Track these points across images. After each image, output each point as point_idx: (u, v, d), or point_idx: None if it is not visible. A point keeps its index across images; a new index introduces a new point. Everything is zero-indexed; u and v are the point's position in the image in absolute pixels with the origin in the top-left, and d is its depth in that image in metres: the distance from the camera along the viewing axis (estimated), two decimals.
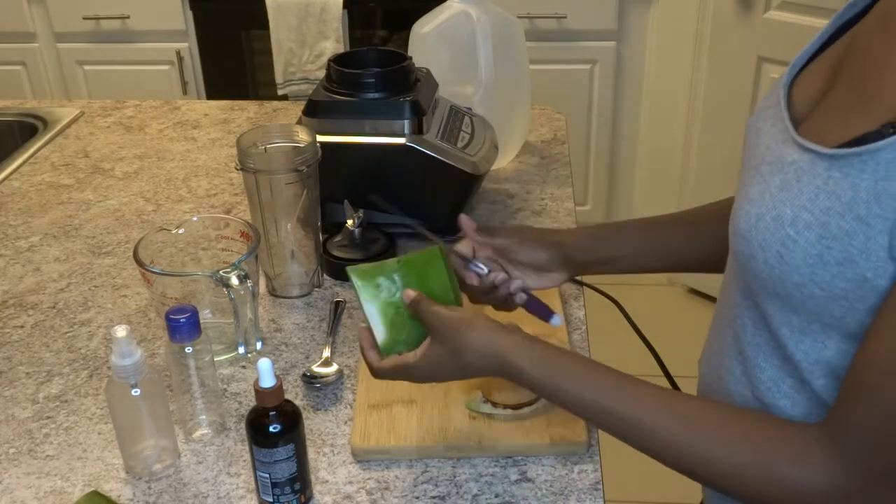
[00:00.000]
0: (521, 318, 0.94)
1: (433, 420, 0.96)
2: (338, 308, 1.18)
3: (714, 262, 1.00)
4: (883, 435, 0.67)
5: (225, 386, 1.06)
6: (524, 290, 0.97)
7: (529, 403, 0.96)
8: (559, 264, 0.99)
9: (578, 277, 1.23)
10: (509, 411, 0.95)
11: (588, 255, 1.00)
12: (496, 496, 0.89)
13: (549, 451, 0.93)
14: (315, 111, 1.27)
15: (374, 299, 0.88)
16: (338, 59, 1.32)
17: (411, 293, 0.87)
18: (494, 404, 0.96)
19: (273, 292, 1.22)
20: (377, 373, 0.89)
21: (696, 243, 1.03)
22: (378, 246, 1.27)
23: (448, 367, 0.85)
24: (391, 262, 0.89)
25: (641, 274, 1.06)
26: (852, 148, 0.67)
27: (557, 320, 0.96)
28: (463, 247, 0.97)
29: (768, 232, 0.73)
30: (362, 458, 0.94)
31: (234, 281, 1.00)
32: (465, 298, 0.95)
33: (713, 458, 0.74)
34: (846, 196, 0.67)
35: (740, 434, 0.74)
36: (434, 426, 0.95)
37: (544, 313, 0.97)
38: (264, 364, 0.80)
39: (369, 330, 0.89)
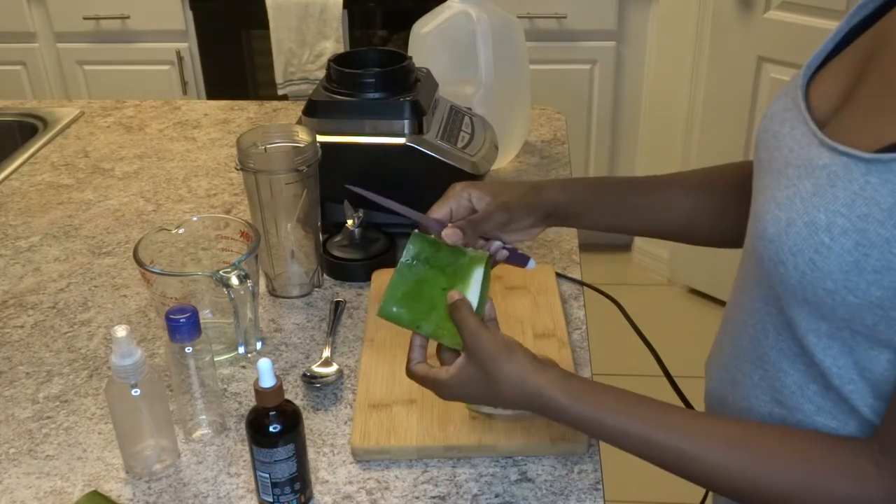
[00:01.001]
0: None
1: (433, 420, 0.96)
2: (338, 308, 1.18)
3: (691, 230, 1.00)
4: None
5: (225, 386, 1.06)
6: (502, 246, 0.96)
7: None
8: (538, 222, 0.97)
9: (578, 278, 1.23)
10: (509, 412, 0.95)
11: (560, 210, 0.98)
12: (496, 496, 0.89)
13: (549, 450, 0.93)
14: (315, 111, 1.27)
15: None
16: (338, 59, 1.32)
17: (455, 294, 0.86)
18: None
19: (273, 292, 1.22)
20: (408, 372, 0.88)
21: (676, 211, 0.99)
22: (378, 246, 1.27)
23: (479, 393, 0.84)
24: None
25: (615, 233, 1.03)
26: (894, 153, 0.65)
27: (532, 264, 0.96)
28: (437, 212, 0.95)
29: (800, 238, 0.70)
30: (362, 457, 0.94)
31: (234, 281, 1.00)
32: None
33: (766, 484, 0.73)
34: (886, 203, 0.65)
35: (791, 456, 0.73)
36: (434, 426, 0.95)
37: (521, 261, 0.96)
38: (264, 364, 0.80)
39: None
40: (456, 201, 0.95)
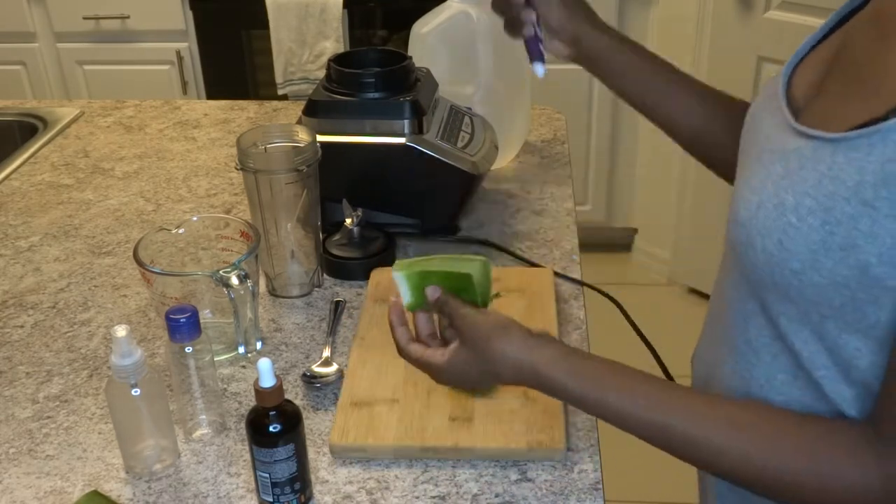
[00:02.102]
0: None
1: (413, 420, 0.96)
2: (338, 308, 1.18)
3: (686, 126, 1.04)
4: None
5: (225, 386, 1.06)
6: (534, 24, 0.99)
7: None
8: (574, 28, 1.04)
9: (578, 278, 1.23)
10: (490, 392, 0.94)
11: (593, 39, 1.05)
12: (496, 496, 0.89)
13: (525, 456, 0.92)
14: (315, 111, 1.27)
15: (403, 269, 0.88)
16: (338, 59, 1.32)
17: (435, 292, 0.86)
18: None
19: (273, 292, 1.22)
20: (402, 352, 0.88)
21: (689, 117, 1.04)
22: (377, 245, 1.27)
23: (476, 375, 0.84)
24: (436, 257, 0.90)
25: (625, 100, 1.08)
26: (859, 131, 0.67)
27: (540, 69, 0.99)
28: None
29: (769, 219, 0.72)
30: (340, 455, 0.94)
31: (234, 281, 1.00)
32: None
33: (766, 468, 0.73)
34: (851, 180, 0.67)
35: (793, 441, 0.73)
36: (413, 427, 0.95)
37: (536, 53, 1.00)
38: (264, 364, 0.80)
39: (400, 305, 0.89)
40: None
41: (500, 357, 0.81)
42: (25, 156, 1.67)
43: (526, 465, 0.92)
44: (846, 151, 0.68)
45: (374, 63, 1.34)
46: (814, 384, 0.74)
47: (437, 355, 0.85)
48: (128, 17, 2.81)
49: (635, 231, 3.11)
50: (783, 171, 0.73)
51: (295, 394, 1.04)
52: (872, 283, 0.67)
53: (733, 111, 0.97)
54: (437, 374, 0.86)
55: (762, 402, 0.78)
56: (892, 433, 0.68)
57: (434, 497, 0.89)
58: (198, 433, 0.98)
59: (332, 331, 1.14)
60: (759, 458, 0.73)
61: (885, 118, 0.65)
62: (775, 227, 0.72)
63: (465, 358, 0.83)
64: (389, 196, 1.30)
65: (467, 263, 0.87)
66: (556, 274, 1.23)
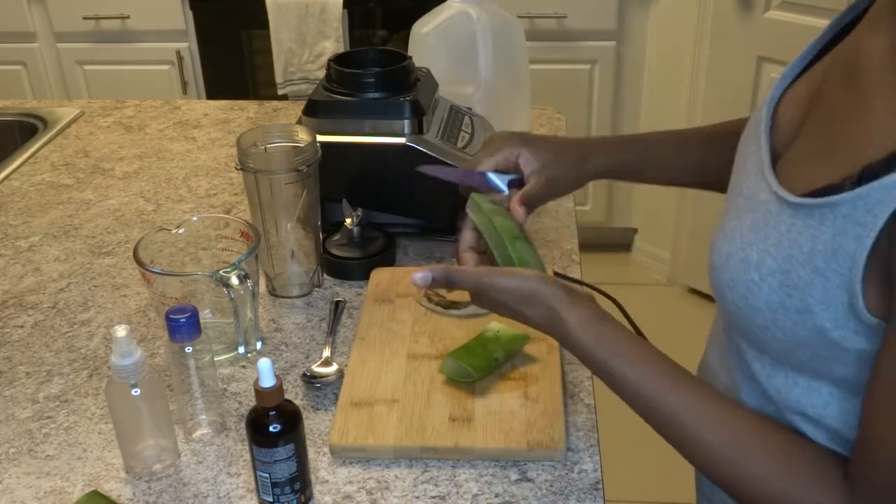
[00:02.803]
0: None
1: (412, 420, 0.96)
2: (338, 308, 1.18)
3: (707, 182, 1.03)
4: (893, 483, 0.66)
5: (225, 386, 1.06)
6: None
7: (457, 307, 1.01)
8: (583, 177, 1.02)
9: (578, 277, 1.23)
10: (440, 309, 0.98)
11: (604, 174, 1.02)
12: (496, 496, 0.89)
13: (525, 456, 0.92)
14: (315, 111, 1.27)
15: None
16: (338, 59, 1.32)
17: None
18: (429, 299, 1.01)
19: (273, 292, 1.22)
20: (460, 259, 0.90)
21: (715, 156, 1.01)
22: (377, 245, 1.27)
23: (511, 304, 0.83)
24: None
25: (659, 185, 1.08)
26: (815, 199, 0.66)
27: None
28: (485, 165, 1.00)
29: (736, 273, 0.73)
30: (340, 455, 0.94)
31: (234, 281, 1.00)
32: None
33: (747, 483, 0.73)
34: (806, 247, 0.66)
35: (780, 458, 0.72)
36: (413, 427, 0.95)
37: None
38: (264, 364, 0.80)
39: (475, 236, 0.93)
40: (504, 158, 0.99)
41: (541, 300, 0.81)
42: (25, 156, 1.67)
43: (526, 465, 0.92)
44: (803, 217, 0.67)
45: (374, 63, 1.34)
46: (791, 426, 0.75)
47: (486, 273, 0.85)
48: (128, 17, 2.81)
49: (635, 231, 3.11)
50: (751, 223, 0.73)
51: (295, 394, 1.04)
52: (831, 344, 0.67)
53: (721, 142, 0.98)
54: (482, 286, 0.84)
55: (764, 417, 0.78)
56: (860, 477, 0.68)
57: (434, 497, 0.89)
58: (198, 433, 0.98)
59: (332, 331, 1.14)
60: (742, 470, 0.73)
61: (839, 187, 0.64)
62: (741, 281, 0.72)
63: (507, 286, 0.82)
64: (389, 196, 1.30)
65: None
66: (557, 274, 1.23)
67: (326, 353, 1.09)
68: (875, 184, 0.62)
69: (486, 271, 0.85)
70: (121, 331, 0.86)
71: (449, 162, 1.25)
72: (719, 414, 0.75)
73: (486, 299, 0.84)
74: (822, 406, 0.72)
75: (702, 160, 1.03)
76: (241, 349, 1.04)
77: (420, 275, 0.85)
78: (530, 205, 0.96)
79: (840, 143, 0.68)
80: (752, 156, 0.78)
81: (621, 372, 0.78)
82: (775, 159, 0.75)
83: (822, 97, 0.74)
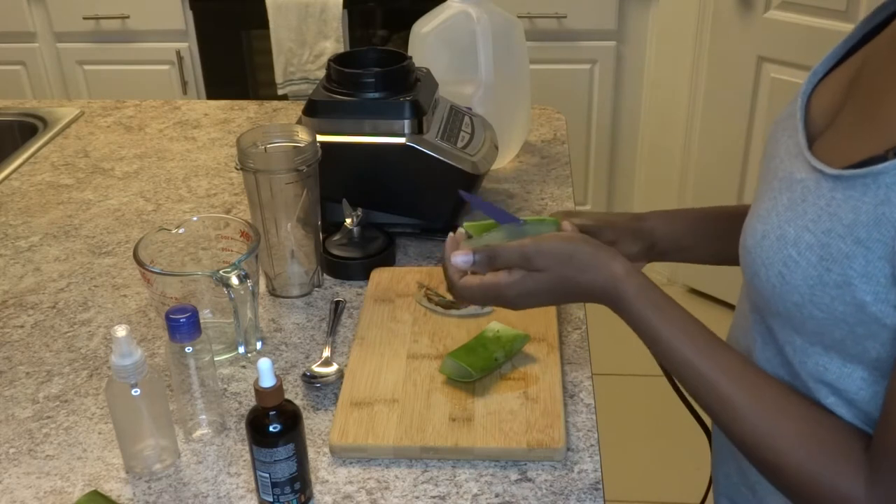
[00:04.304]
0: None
1: (412, 420, 0.96)
2: (338, 308, 1.18)
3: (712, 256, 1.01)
4: None
5: (225, 386, 1.06)
6: None
7: (457, 307, 0.98)
8: (642, 253, 0.98)
9: None
10: (440, 309, 0.96)
11: (661, 242, 0.99)
12: (496, 496, 0.89)
13: (525, 456, 0.92)
14: (315, 111, 1.27)
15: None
16: (338, 59, 1.32)
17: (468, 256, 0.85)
18: (429, 299, 0.98)
19: (273, 292, 1.22)
20: (457, 291, 0.86)
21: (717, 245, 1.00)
22: (377, 245, 1.27)
23: (546, 295, 0.83)
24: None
25: (719, 265, 1.03)
26: (856, 170, 0.66)
27: None
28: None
29: (772, 250, 0.72)
30: (340, 455, 0.94)
31: (234, 281, 1.00)
32: None
33: (771, 448, 0.73)
34: (847, 219, 0.66)
35: (810, 429, 0.72)
36: (413, 427, 0.95)
37: None
38: (264, 364, 0.80)
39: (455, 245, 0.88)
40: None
41: (583, 278, 0.81)
42: (25, 156, 1.67)
43: (526, 465, 0.92)
44: (844, 189, 0.67)
45: (374, 63, 1.34)
46: (826, 408, 0.74)
47: (503, 277, 0.83)
48: (128, 17, 2.81)
49: None
50: (788, 201, 0.73)
51: (295, 394, 1.04)
52: (870, 320, 0.67)
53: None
54: (505, 293, 0.83)
55: (796, 392, 0.77)
56: (881, 457, 0.68)
57: (434, 497, 0.89)
58: (198, 433, 0.98)
59: (332, 331, 1.14)
60: (767, 436, 0.73)
61: (883, 158, 0.65)
62: (777, 259, 0.72)
63: (538, 281, 0.82)
64: (389, 196, 1.30)
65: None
66: None
67: (326, 353, 1.09)
68: None
69: (526, 240, 0.83)
70: (121, 331, 0.86)
71: (449, 162, 1.25)
72: (755, 381, 0.76)
73: (534, 275, 0.83)
74: (854, 391, 0.72)
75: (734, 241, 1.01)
76: (241, 349, 1.04)
77: (462, 257, 0.84)
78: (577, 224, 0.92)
79: (881, 118, 0.69)
80: (785, 143, 0.78)
81: (671, 343, 0.78)
82: (809, 145, 0.75)
83: (861, 83, 0.75)
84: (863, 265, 0.66)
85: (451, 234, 0.90)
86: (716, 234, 0.99)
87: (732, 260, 0.98)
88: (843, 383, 0.72)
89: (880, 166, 0.65)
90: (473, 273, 0.86)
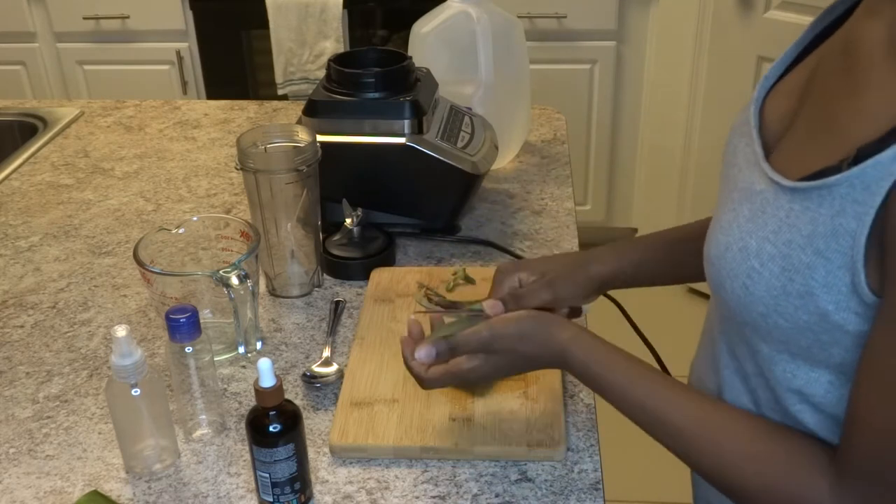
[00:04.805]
0: None
1: (412, 420, 0.96)
2: (338, 308, 1.18)
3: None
4: (878, 464, 0.66)
5: (225, 386, 1.06)
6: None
7: (457, 308, 0.98)
8: (589, 295, 1.00)
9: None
10: (440, 309, 0.97)
11: (611, 281, 1.00)
12: (496, 496, 0.89)
13: (525, 456, 0.92)
14: (315, 111, 1.27)
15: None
16: (338, 59, 1.32)
17: (431, 351, 0.87)
18: (429, 299, 0.99)
19: (273, 292, 1.22)
20: (426, 383, 0.89)
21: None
22: (377, 245, 1.27)
23: (506, 370, 0.88)
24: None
25: (675, 284, 1.06)
26: (811, 181, 0.67)
27: (585, 308, 1.02)
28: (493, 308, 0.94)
29: (735, 262, 0.73)
30: (340, 455, 0.94)
31: (234, 281, 1.00)
32: None
33: (730, 466, 0.74)
34: (806, 230, 0.67)
35: (765, 448, 0.74)
36: (413, 427, 0.95)
37: (576, 314, 1.01)
38: (264, 364, 0.80)
39: (411, 337, 0.91)
40: (509, 291, 0.97)
41: (536, 352, 0.85)
42: (25, 156, 1.67)
43: (526, 465, 0.92)
44: (801, 200, 0.68)
45: (374, 63, 1.34)
46: (792, 417, 0.75)
47: (464, 362, 0.87)
48: (128, 17, 2.81)
49: (635, 231, 3.11)
50: (749, 213, 0.73)
51: (295, 394, 1.04)
52: (833, 328, 0.67)
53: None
54: (468, 376, 0.87)
55: (749, 414, 0.79)
56: (844, 461, 0.68)
57: (434, 497, 0.89)
58: (198, 433, 0.98)
59: (332, 331, 1.14)
60: (726, 465, 0.74)
61: (837, 168, 0.65)
62: (741, 270, 0.72)
63: (497, 362, 0.86)
64: (389, 196, 1.30)
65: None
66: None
67: (326, 353, 1.09)
68: (871, 161, 0.62)
69: (480, 326, 0.87)
70: (121, 331, 0.86)
71: (449, 162, 1.25)
72: (703, 408, 0.78)
73: (491, 359, 0.86)
74: (821, 395, 0.72)
75: (689, 262, 0.99)
76: (241, 349, 1.04)
77: (424, 352, 0.87)
78: (516, 303, 0.92)
79: (835, 126, 0.69)
80: (743, 151, 0.78)
81: (613, 378, 0.82)
82: (767, 154, 0.75)
83: (814, 88, 0.75)
84: (823, 275, 0.66)
85: (410, 321, 0.93)
86: (661, 260, 1.02)
87: (693, 279, 1.01)
88: (810, 388, 0.73)
89: (834, 178, 0.65)
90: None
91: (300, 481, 0.85)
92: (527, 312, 0.87)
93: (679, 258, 1.01)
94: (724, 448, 0.75)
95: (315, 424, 0.99)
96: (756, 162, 0.75)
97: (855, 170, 0.63)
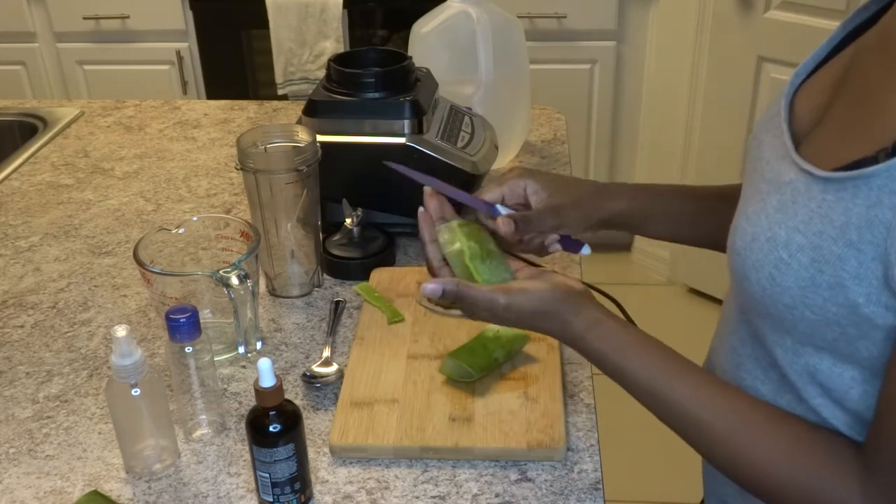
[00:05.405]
0: None
1: (412, 421, 0.96)
2: (338, 308, 1.18)
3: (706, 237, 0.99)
4: None
5: (225, 386, 1.06)
6: (556, 240, 0.95)
7: (457, 307, 0.96)
8: (591, 228, 0.97)
9: (578, 277, 1.23)
10: (440, 309, 0.95)
11: (618, 219, 0.97)
12: (496, 496, 0.89)
13: (525, 456, 0.92)
14: (315, 111, 1.27)
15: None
16: (338, 59, 1.32)
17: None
18: (429, 299, 0.97)
19: (273, 292, 1.22)
20: (470, 290, 0.84)
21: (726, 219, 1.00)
22: (377, 245, 1.27)
23: (518, 325, 0.84)
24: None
25: (672, 242, 1.03)
26: (847, 171, 0.66)
27: (587, 249, 0.96)
28: (489, 194, 0.93)
29: (762, 253, 0.72)
30: (340, 455, 0.94)
31: (234, 281, 1.00)
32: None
33: (759, 469, 0.73)
34: (839, 220, 0.66)
35: (789, 450, 0.73)
36: (413, 427, 0.95)
37: (575, 247, 0.96)
38: (264, 364, 0.80)
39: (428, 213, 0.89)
40: (510, 188, 0.94)
41: (549, 329, 0.83)
42: (25, 156, 1.67)
43: (526, 465, 0.92)
44: (834, 191, 0.67)
45: (374, 63, 1.34)
46: (812, 411, 0.75)
47: (500, 291, 0.83)
48: (128, 17, 2.81)
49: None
50: (777, 203, 0.73)
51: (295, 394, 1.04)
52: (862, 321, 0.67)
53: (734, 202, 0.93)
54: (494, 311, 0.84)
55: (769, 405, 0.78)
56: (872, 460, 0.68)
57: (434, 497, 0.89)
58: (198, 433, 0.98)
59: (332, 331, 1.14)
60: (751, 456, 0.73)
61: (874, 159, 0.65)
62: (767, 261, 0.72)
63: (505, 320, 0.83)
64: (389, 196, 1.30)
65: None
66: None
67: (326, 353, 1.09)
68: None
69: (499, 289, 0.83)
70: (121, 331, 0.86)
71: (449, 162, 1.25)
72: (726, 401, 0.76)
73: (500, 318, 0.84)
74: (844, 390, 0.72)
75: (711, 222, 0.97)
76: (241, 349, 1.04)
77: (431, 286, 0.84)
78: (524, 226, 0.90)
79: (872, 118, 0.69)
80: (770, 144, 0.78)
81: (631, 368, 0.79)
82: (796, 147, 0.75)
83: (850, 82, 0.74)
84: (855, 267, 0.66)
85: (421, 209, 0.90)
86: (668, 213, 0.99)
87: (696, 242, 0.99)
88: (833, 382, 0.72)
89: (871, 169, 0.64)
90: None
91: (300, 481, 0.85)
92: (550, 289, 0.83)
93: (683, 217, 0.98)
94: (751, 441, 0.74)
95: (315, 424, 0.99)
96: (786, 154, 0.75)
97: (894, 160, 0.63)
